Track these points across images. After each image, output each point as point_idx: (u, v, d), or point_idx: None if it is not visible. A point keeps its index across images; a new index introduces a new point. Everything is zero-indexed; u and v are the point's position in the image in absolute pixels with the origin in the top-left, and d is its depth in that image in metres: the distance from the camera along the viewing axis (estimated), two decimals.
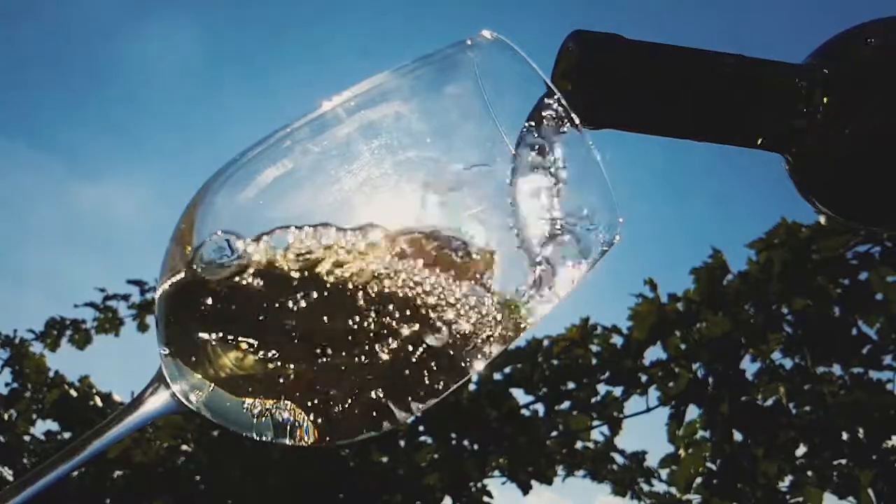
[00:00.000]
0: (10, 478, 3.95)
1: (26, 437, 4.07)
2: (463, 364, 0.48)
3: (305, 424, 0.49)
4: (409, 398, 0.49)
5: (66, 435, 4.00)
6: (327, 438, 0.50)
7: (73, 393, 3.97)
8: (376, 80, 0.49)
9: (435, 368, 0.48)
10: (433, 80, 0.48)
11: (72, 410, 3.95)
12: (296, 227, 0.47)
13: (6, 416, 4.06)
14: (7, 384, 4.20)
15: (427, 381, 0.48)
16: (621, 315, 3.12)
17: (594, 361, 3.25)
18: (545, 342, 3.36)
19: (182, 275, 0.48)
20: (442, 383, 0.49)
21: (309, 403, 0.48)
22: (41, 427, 4.13)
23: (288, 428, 0.50)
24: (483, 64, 0.48)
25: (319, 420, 0.49)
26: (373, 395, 0.48)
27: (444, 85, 0.48)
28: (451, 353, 0.47)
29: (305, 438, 0.50)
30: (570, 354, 3.28)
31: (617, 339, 3.20)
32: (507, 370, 3.36)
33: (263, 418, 0.49)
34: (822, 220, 2.81)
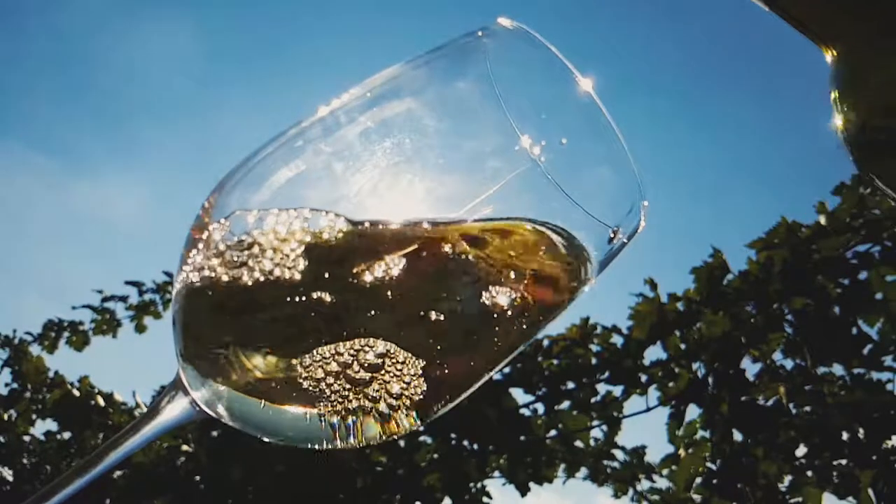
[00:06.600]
0: (10, 478, 3.94)
1: (26, 437, 4.06)
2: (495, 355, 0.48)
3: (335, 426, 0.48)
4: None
5: (66, 435, 3.99)
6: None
7: (76, 393, 3.96)
8: (390, 72, 0.48)
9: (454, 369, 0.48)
10: (448, 69, 0.47)
11: (72, 410, 3.94)
12: (324, 211, 0.45)
13: (6, 417, 4.05)
14: (7, 384, 4.20)
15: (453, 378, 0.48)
16: (621, 315, 3.12)
17: (594, 361, 3.25)
18: (545, 342, 3.36)
19: (200, 273, 0.47)
20: (463, 384, 0.49)
21: (350, 404, 0.47)
22: (41, 427, 4.13)
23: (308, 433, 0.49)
24: (500, 51, 0.46)
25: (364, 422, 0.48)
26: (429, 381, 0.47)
27: (459, 74, 0.47)
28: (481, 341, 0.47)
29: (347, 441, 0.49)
30: (570, 354, 3.28)
31: (617, 339, 3.20)
32: (506, 370, 3.36)
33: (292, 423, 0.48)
34: (823, 220, 2.81)
